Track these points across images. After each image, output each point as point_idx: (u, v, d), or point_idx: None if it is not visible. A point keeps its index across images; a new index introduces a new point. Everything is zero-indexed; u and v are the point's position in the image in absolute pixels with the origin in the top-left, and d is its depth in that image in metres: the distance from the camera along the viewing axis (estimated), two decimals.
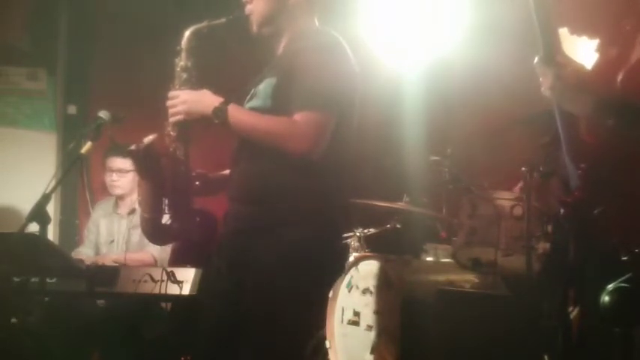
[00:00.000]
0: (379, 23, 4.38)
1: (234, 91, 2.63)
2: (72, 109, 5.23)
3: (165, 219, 2.67)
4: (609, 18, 2.16)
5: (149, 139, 2.61)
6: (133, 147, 2.62)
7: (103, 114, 3.28)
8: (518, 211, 3.15)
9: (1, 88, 5.12)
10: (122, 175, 4.32)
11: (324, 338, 3.41)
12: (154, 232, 2.73)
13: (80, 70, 5.29)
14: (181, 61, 2.63)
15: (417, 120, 4.23)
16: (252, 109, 2.54)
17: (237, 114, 2.46)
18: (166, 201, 2.63)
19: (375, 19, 4.38)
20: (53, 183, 3.27)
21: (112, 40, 5.20)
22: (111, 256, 4.14)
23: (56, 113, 5.17)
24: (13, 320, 3.32)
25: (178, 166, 2.62)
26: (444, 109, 4.29)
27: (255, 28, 2.59)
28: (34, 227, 3.06)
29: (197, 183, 2.69)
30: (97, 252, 4.35)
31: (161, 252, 4.06)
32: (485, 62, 4.00)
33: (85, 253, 4.28)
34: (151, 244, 4.02)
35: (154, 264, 4.03)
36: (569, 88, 2.11)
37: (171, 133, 2.60)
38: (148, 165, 2.63)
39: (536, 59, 2.15)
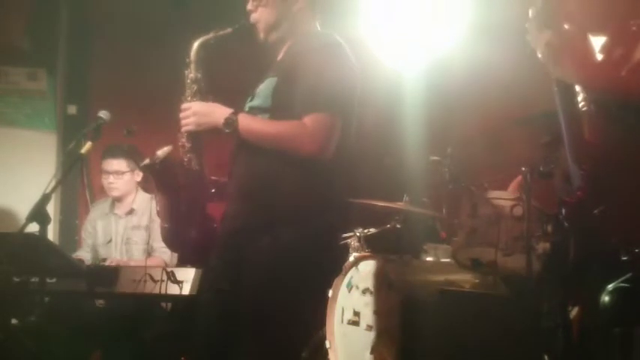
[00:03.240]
0: (379, 23, 4.37)
1: (242, 97, 2.66)
2: (72, 109, 5.23)
3: (184, 227, 2.70)
4: (616, 18, 2.15)
5: (163, 151, 2.66)
6: (147, 161, 2.67)
7: (103, 114, 3.29)
8: (518, 211, 3.14)
9: (1, 88, 5.12)
10: (119, 177, 4.31)
11: (324, 338, 3.41)
12: (174, 241, 2.77)
13: (80, 70, 5.29)
14: (191, 73, 2.69)
15: (417, 120, 4.23)
16: (252, 108, 2.56)
17: (247, 123, 2.50)
18: (184, 210, 2.67)
19: (375, 19, 4.38)
20: (53, 183, 3.27)
21: (112, 40, 5.19)
22: (128, 261, 4.11)
23: (56, 113, 5.17)
24: (13, 320, 3.32)
25: (193, 176, 2.65)
26: (444, 109, 4.28)
27: (261, 35, 2.63)
28: (34, 227, 3.07)
29: (212, 190, 2.72)
30: (95, 254, 4.35)
31: (171, 256, 4.06)
32: (485, 62, 4.00)
33: (82, 257, 4.27)
34: (159, 250, 4.04)
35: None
36: (566, 50, 2.08)
37: (186, 144, 2.64)
38: (164, 177, 2.67)
39: (531, 12, 2.11)
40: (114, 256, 4.22)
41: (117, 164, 4.29)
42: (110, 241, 4.33)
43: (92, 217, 4.48)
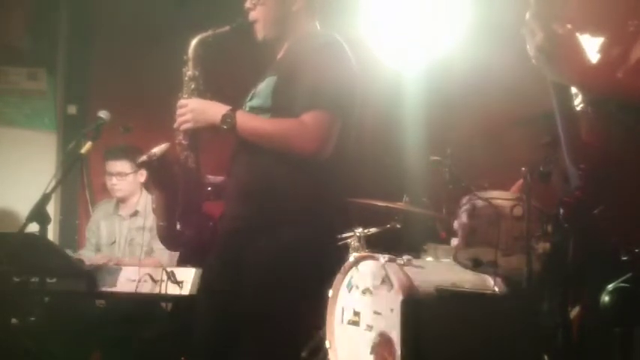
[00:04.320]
0: (379, 23, 4.37)
1: (241, 96, 2.66)
2: (72, 109, 5.23)
3: (179, 225, 2.70)
4: (615, 18, 2.14)
5: (160, 148, 2.65)
6: (144, 157, 2.66)
7: (103, 114, 3.29)
8: (518, 211, 3.14)
9: (1, 88, 5.12)
10: (122, 179, 4.31)
11: (324, 338, 3.41)
12: (170, 239, 2.77)
13: (80, 70, 5.29)
14: (189, 70, 2.67)
15: (417, 120, 4.23)
16: (252, 108, 2.55)
17: (245, 120, 2.48)
18: (180, 208, 2.66)
19: (375, 19, 4.38)
20: (53, 183, 3.27)
21: (112, 40, 5.20)
22: (123, 260, 4.12)
23: (56, 113, 5.18)
24: (13, 320, 3.32)
25: (190, 174, 2.64)
26: (444, 109, 4.28)
27: (259, 34, 2.62)
28: (34, 227, 3.07)
29: (208, 189, 2.71)
30: (99, 253, 4.34)
31: (171, 258, 4.06)
32: (486, 62, 4.00)
33: (86, 255, 4.27)
34: (158, 251, 4.03)
35: None
36: (559, 54, 2.06)
37: (182, 141, 2.63)
38: (161, 174, 2.67)
39: (528, 14, 2.10)
40: (117, 256, 4.22)
41: (120, 166, 4.29)
42: (114, 242, 4.33)
43: (95, 218, 4.49)
